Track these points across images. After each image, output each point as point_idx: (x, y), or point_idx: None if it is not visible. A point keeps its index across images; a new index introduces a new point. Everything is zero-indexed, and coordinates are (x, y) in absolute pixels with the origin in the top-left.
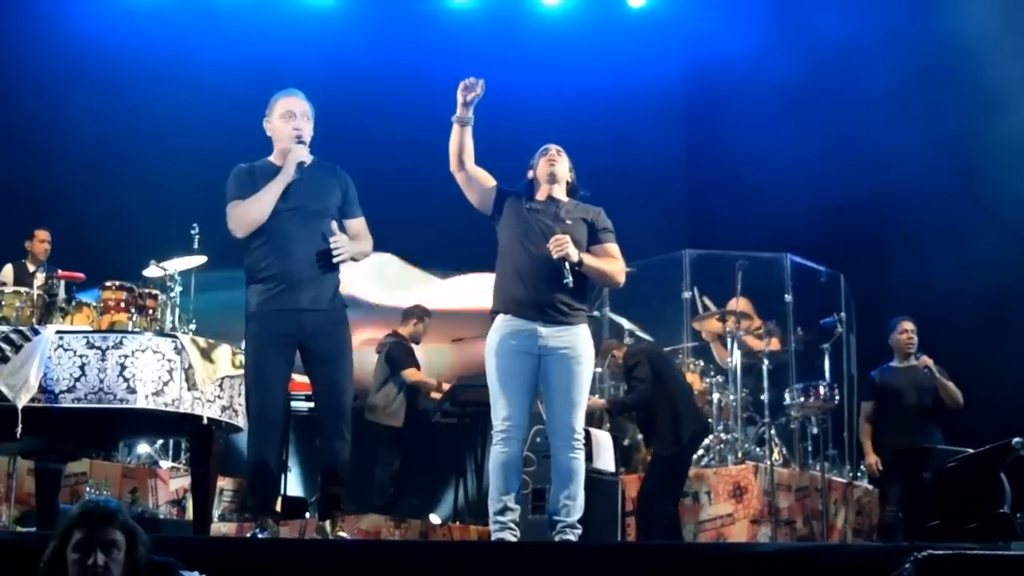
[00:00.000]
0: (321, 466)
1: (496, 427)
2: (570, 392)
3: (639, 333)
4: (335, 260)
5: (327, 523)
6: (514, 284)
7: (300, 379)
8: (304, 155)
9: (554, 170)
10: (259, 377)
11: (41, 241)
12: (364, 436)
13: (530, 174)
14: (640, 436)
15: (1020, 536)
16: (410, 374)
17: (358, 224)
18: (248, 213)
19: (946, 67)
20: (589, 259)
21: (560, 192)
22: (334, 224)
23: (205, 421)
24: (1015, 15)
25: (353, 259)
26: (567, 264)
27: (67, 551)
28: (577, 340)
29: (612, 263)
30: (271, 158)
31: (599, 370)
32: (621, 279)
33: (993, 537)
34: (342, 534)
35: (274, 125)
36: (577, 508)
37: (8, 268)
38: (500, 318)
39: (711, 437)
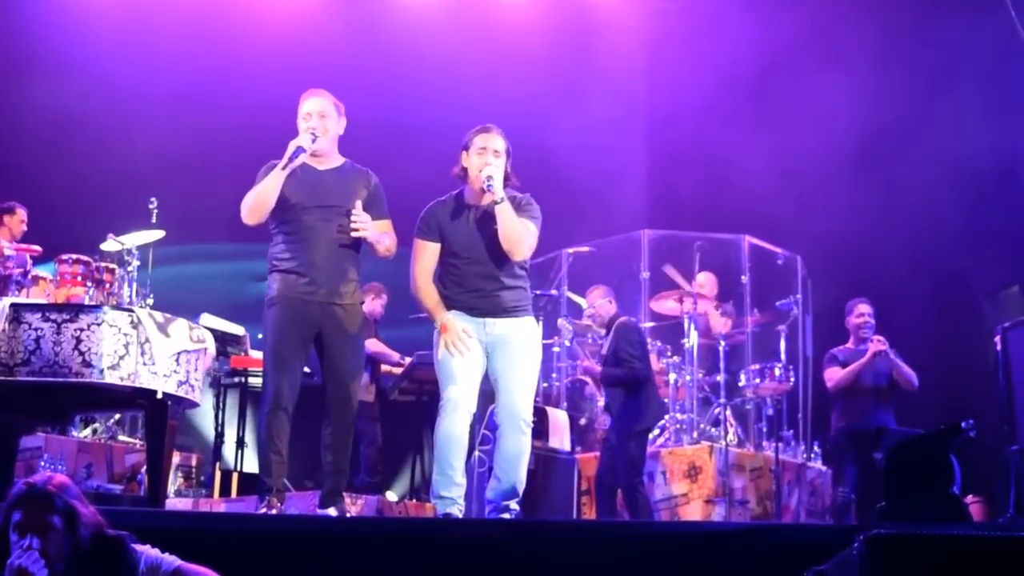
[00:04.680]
0: (324, 455)
1: (444, 398)
2: (519, 375)
3: None
4: (353, 234)
5: (330, 510)
6: (460, 287)
7: (257, 355)
8: (303, 141)
9: (492, 172)
10: (278, 361)
11: (21, 221)
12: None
13: (463, 158)
14: (603, 411)
15: (969, 517)
16: (370, 344)
17: (382, 225)
18: (249, 198)
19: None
20: (509, 206)
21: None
22: (359, 203)
23: (160, 395)
24: None
25: (374, 246)
26: (492, 187)
27: (8, 529)
28: (524, 329)
29: (523, 227)
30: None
31: (569, 330)
32: (523, 249)
33: (943, 518)
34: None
35: (299, 126)
36: (518, 492)
37: None
38: (453, 312)
39: (667, 417)
